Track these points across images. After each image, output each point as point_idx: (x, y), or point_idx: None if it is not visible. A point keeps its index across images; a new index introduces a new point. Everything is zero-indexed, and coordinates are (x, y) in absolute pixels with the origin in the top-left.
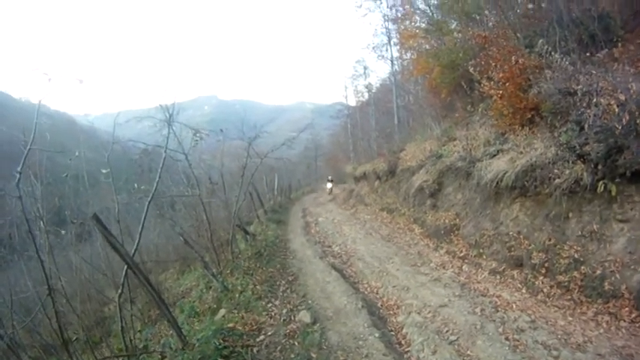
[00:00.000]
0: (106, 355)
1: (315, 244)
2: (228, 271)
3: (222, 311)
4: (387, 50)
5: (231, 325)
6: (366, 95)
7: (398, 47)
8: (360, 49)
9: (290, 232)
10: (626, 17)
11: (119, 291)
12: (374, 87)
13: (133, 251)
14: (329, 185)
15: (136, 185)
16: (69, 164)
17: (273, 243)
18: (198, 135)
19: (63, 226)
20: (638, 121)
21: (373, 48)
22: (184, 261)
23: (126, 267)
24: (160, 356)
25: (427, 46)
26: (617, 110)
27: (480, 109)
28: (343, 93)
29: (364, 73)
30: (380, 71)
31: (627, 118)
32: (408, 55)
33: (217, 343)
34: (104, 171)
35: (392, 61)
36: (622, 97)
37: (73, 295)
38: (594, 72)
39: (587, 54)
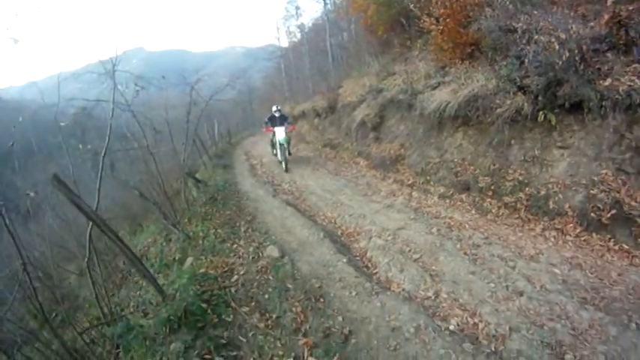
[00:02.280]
0: (85, 327)
1: (264, 184)
2: (186, 220)
3: (190, 259)
4: None
5: (202, 270)
6: (299, 35)
7: None
8: None
9: (238, 176)
10: None
11: (86, 257)
12: (306, 27)
13: (96, 203)
14: (280, 132)
15: (80, 146)
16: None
17: (224, 187)
18: (139, 85)
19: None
20: (577, 58)
21: None
22: (134, 220)
23: (89, 230)
24: (142, 314)
25: None
26: (557, 47)
27: (418, 45)
28: (275, 35)
29: (296, 13)
30: (312, 11)
31: (567, 55)
32: None
33: (195, 289)
34: (62, 124)
35: (325, 1)
36: (562, 36)
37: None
38: (535, 12)
39: None
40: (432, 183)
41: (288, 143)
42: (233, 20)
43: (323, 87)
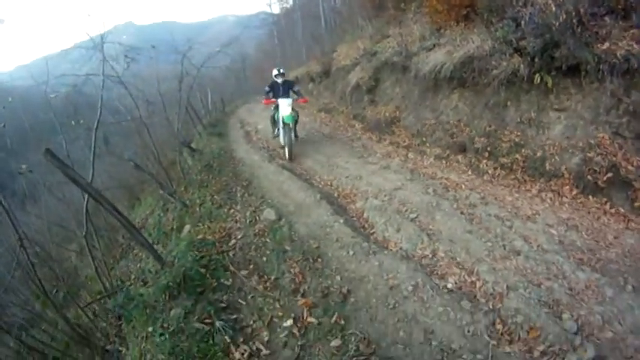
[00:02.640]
0: (87, 302)
1: (260, 150)
2: (182, 189)
3: (187, 227)
4: None
5: (200, 236)
6: (291, 1)
7: None
8: None
9: (233, 143)
10: None
11: (84, 230)
12: None
13: (91, 177)
14: (285, 106)
15: (73, 122)
16: None
17: (220, 154)
18: (129, 56)
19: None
20: (574, 21)
21: None
22: (132, 194)
23: (85, 204)
24: (142, 283)
25: None
26: (554, 9)
27: (412, 7)
28: (267, 1)
29: None
30: None
31: (564, 17)
32: None
33: (194, 255)
34: (52, 95)
35: None
36: None
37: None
38: None
39: None
40: (427, 144)
41: (296, 122)
42: None
43: (317, 52)
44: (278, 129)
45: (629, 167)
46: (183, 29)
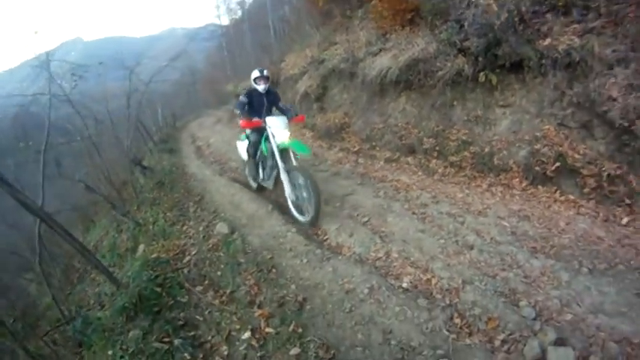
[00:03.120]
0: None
1: (211, 164)
2: (135, 208)
3: (142, 246)
4: None
5: (154, 255)
6: (240, 13)
7: None
8: None
9: (184, 159)
10: None
11: (37, 257)
12: (247, 3)
13: (41, 200)
14: (280, 128)
15: (21, 144)
16: None
17: (171, 171)
18: (77, 74)
19: None
20: (516, 19)
21: None
22: (86, 217)
23: (37, 228)
24: (99, 307)
25: None
26: (496, 9)
27: (359, 14)
28: (215, 13)
29: None
30: None
31: (506, 15)
32: None
33: (148, 274)
34: None
35: None
36: None
37: None
38: None
39: None
40: (377, 148)
41: (302, 149)
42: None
43: (266, 62)
44: (265, 168)
45: (576, 155)
46: (132, 44)
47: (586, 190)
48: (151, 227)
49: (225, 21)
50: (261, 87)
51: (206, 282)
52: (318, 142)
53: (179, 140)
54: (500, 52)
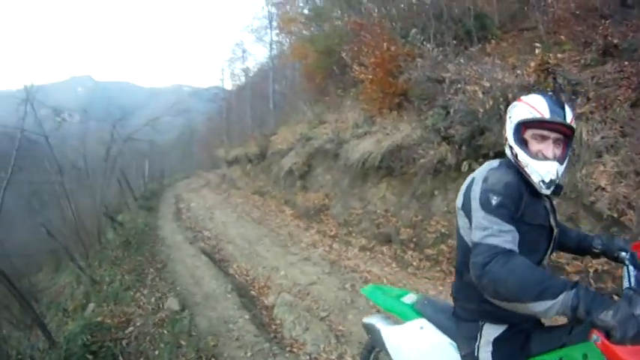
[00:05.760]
0: None
1: (186, 230)
2: (96, 263)
3: (92, 305)
4: (266, 34)
5: (99, 319)
6: (243, 79)
7: (277, 31)
8: (240, 31)
9: (161, 219)
10: (503, 19)
11: None
12: (251, 71)
13: None
14: None
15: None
16: None
17: (143, 231)
18: (61, 116)
19: None
20: (501, 107)
21: (253, 30)
22: (56, 257)
23: None
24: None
25: (306, 32)
26: (481, 96)
27: (351, 94)
28: (220, 76)
29: (242, 56)
30: (258, 55)
31: (491, 103)
32: (287, 40)
33: (85, 339)
34: None
35: (271, 45)
36: (487, 84)
37: None
38: (462, 61)
39: (462, 47)
40: (353, 235)
41: None
42: (182, 58)
43: (257, 132)
44: None
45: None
46: (138, 92)
47: None
48: (105, 287)
49: (228, 86)
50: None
51: (141, 359)
52: (296, 221)
53: (161, 199)
54: (484, 141)
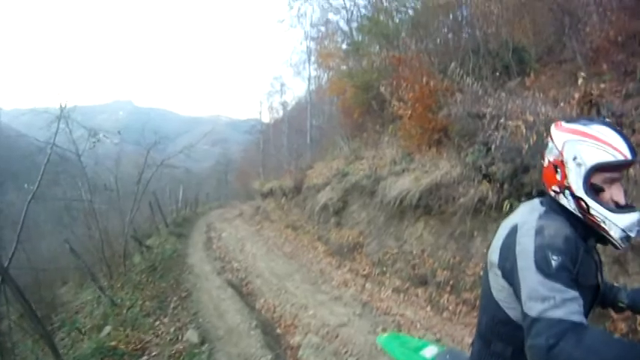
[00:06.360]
0: None
1: (214, 260)
2: (119, 285)
3: (108, 328)
4: (304, 68)
5: (114, 343)
6: (281, 112)
7: (316, 66)
8: (279, 65)
9: (190, 247)
10: (540, 51)
11: None
12: (289, 105)
13: (9, 258)
14: None
15: (26, 185)
16: None
17: (170, 257)
18: (96, 137)
19: None
20: (545, 142)
21: (292, 65)
22: (81, 273)
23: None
24: None
25: (344, 67)
26: (524, 131)
27: (390, 130)
28: (258, 109)
29: (281, 89)
30: (297, 89)
31: (535, 138)
32: (325, 74)
33: None
34: None
35: (309, 80)
36: (530, 119)
37: None
38: (502, 95)
39: (501, 82)
40: (387, 275)
41: None
42: (222, 89)
43: (293, 166)
44: None
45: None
46: (177, 119)
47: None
48: (125, 311)
49: (266, 118)
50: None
51: None
52: (328, 258)
53: (193, 226)
54: (527, 179)
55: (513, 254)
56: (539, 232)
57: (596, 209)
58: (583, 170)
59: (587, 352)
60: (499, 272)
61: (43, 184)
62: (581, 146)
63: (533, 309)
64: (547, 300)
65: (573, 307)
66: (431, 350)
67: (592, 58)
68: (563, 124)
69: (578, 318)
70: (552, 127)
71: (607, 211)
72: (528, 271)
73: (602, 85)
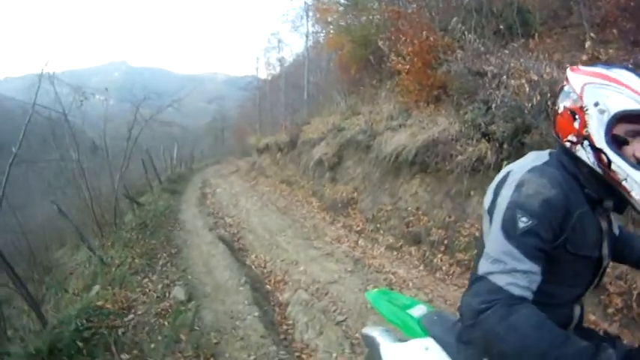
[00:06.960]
0: None
1: (207, 216)
2: (109, 244)
3: (97, 287)
4: (302, 24)
5: (100, 303)
6: (278, 69)
7: (313, 22)
8: (276, 20)
9: (183, 203)
10: (545, 16)
11: None
12: (287, 61)
13: None
14: None
15: (13, 149)
16: None
17: (162, 214)
18: (83, 95)
19: None
20: (549, 103)
21: (289, 20)
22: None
23: None
24: (19, 340)
25: (342, 22)
26: (528, 90)
27: (387, 85)
28: (255, 65)
29: (278, 45)
30: (294, 45)
31: (538, 98)
32: (323, 30)
33: (79, 324)
34: None
35: (307, 36)
36: (535, 77)
37: None
38: (507, 52)
39: (504, 42)
40: (381, 232)
41: None
42: (219, 46)
43: (289, 121)
44: None
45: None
46: (173, 78)
47: (610, 310)
48: (114, 269)
49: (263, 75)
50: None
51: (135, 351)
52: (322, 213)
53: (188, 183)
54: (529, 139)
55: (495, 203)
56: (518, 186)
57: (619, 164)
58: (606, 117)
59: (508, 330)
60: (488, 218)
61: (34, 148)
62: (604, 90)
63: (482, 267)
64: (497, 263)
65: (520, 279)
66: (419, 310)
67: (599, 25)
68: (582, 67)
69: (520, 292)
70: (568, 71)
71: (630, 167)
72: (495, 227)
73: (611, 51)
